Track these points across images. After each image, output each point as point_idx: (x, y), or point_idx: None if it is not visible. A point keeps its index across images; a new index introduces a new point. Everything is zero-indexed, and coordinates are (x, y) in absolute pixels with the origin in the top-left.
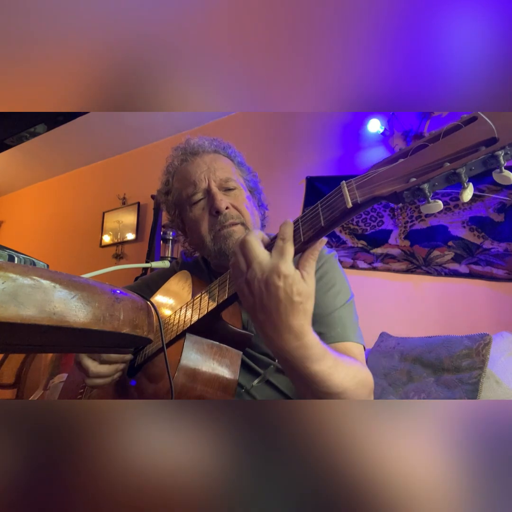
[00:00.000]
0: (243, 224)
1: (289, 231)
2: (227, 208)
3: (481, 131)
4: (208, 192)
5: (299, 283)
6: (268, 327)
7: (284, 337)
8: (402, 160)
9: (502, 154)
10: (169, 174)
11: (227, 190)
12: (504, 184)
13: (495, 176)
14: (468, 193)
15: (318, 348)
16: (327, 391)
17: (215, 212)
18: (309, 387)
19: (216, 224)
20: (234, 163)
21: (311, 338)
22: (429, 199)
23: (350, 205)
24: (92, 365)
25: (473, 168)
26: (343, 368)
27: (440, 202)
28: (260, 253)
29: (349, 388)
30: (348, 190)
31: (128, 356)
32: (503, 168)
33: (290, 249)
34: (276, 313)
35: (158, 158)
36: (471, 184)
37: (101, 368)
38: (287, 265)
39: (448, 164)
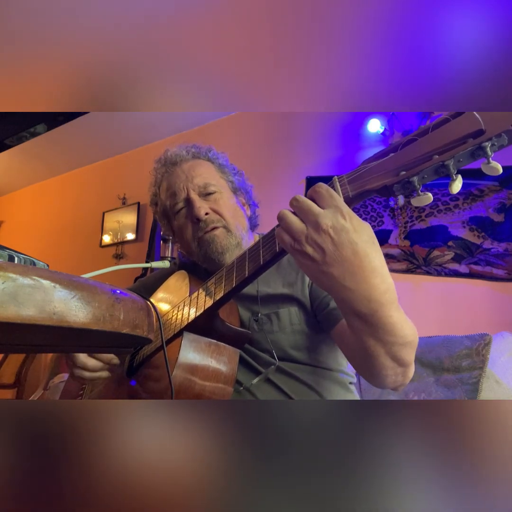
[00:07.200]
0: (225, 227)
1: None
2: (207, 214)
3: (469, 123)
4: (188, 201)
5: (360, 221)
6: (348, 279)
7: (371, 283)
8: (392, 154)
9: (489, 145)
10: (155, 186)
11: (207, 194)
12: (492, 174)
13: (484, 167)
14: (456, 185)
15: (395, 291)
16: (402, 342)
17: (195, 219)
18: (387, 340)
19: (198, 231)
20: (214, 166)
21: (391, 279)
22: (419, 191)
23: None
24: (82, 356)
25: (461, 160)
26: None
27: (429, 194)
28: (315, 206)
29: (415, 340)
30: (340, 185)
31: (116, 360)
32: (490, 159)
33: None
34: (355, 258)
35: None
36: (459, 176)
37: (89, 361)
38: (345, 206)
39: (437, 156)
